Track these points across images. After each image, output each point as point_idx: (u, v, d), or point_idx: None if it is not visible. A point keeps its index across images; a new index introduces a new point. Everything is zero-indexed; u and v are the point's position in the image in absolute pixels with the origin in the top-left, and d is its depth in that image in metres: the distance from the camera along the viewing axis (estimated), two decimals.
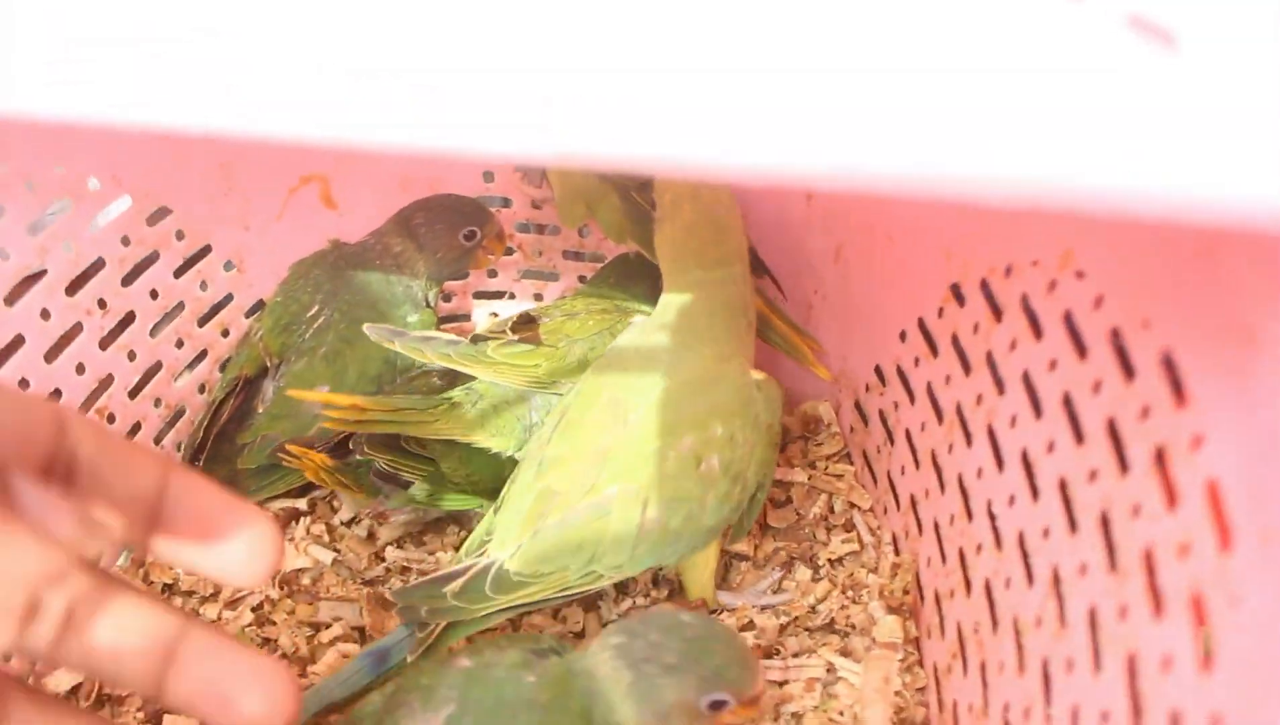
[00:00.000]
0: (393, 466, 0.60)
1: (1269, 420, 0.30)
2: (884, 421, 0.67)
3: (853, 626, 0.60)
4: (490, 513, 0.57)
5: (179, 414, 0.69)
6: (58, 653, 0.28)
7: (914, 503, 0.62)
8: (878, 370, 0.68)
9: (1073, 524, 0.43)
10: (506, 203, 0.78)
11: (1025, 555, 0.47)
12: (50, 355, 0.58)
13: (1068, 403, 0.44)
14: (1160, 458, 0.36)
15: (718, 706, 0.46)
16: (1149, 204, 0.21)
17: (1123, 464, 0.39)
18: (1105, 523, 0.40)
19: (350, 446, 0.62)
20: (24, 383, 0.56)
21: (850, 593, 0.62)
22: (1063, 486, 0.44)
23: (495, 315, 0.82)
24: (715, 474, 0.55)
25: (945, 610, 0.56)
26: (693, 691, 0.45)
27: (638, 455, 0.54)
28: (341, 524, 0.69)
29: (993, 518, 0.52)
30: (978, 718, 0.50)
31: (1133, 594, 0.37)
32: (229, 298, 0.71)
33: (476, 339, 0.62)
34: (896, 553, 0.64)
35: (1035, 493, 0.47)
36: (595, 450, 0.55)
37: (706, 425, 0.55)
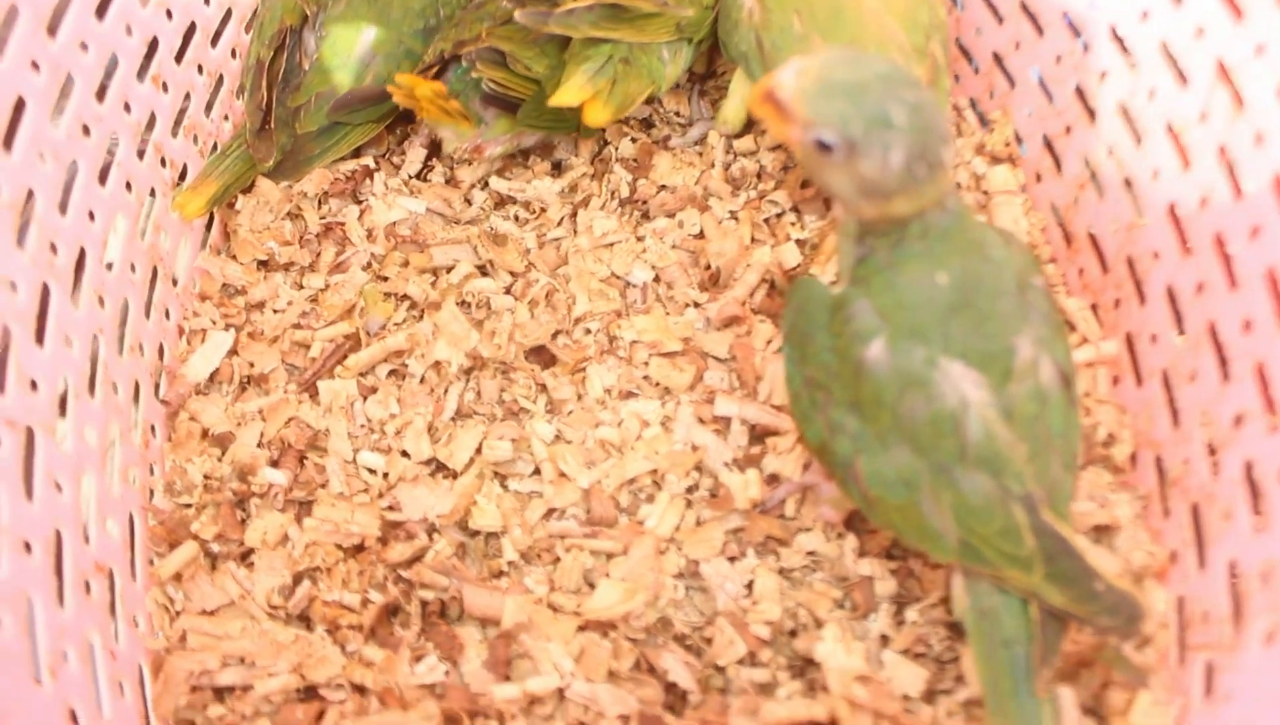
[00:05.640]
0: (502, 86, 0.57)
1: None
2: None
3: (959, 185, 0.62)
4: None
5: (219, 82, 0.64)
6: None
7: (997, 59, 0.63)
8: None
9: None
10: None
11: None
12: (100, 11, 0.52)
13: None
14: None
15: None
16: None
17: None
18: None
19: (449, 75, 0.60)
20: (84, 47, 0.51)
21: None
22: None
23: None
24: None
25: (1060, 149, 0.59)
26: None
27: None
28: (412, 178, 0.66)
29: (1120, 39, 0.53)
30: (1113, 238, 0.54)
31: None
32: None
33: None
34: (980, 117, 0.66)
35: None
36: None
37: None
